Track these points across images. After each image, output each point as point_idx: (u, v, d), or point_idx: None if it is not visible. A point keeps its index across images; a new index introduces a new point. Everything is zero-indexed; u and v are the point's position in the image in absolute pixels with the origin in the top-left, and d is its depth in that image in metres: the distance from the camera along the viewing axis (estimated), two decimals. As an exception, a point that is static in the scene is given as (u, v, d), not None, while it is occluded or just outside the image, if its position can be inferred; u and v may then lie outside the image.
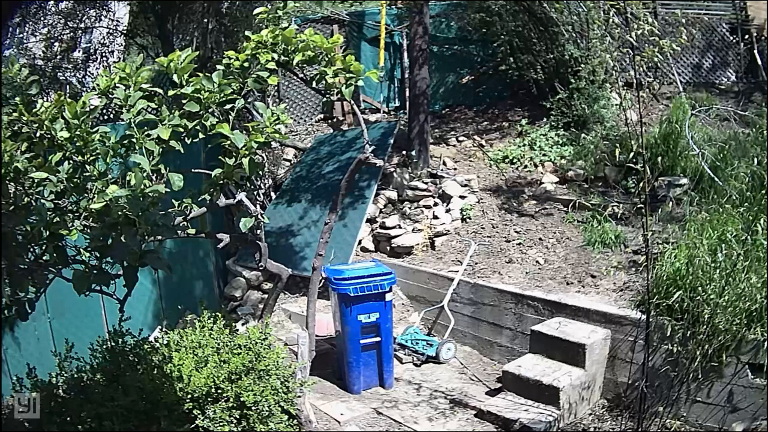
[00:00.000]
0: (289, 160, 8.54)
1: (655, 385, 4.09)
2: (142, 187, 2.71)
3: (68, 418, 3.34)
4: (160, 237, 2.99)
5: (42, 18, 8.59)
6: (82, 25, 8.82)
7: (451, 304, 5.81)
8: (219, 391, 3.54)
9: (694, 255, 4.27)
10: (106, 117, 8.17)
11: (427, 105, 7.98)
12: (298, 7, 8.70)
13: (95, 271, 2.69)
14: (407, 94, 8.95)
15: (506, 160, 7.82)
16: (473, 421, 4.45)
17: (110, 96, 3.18)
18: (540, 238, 6.21)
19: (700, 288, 4.02)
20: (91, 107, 2.94)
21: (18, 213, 2.61)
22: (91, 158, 2.85)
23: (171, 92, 3.30)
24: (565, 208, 6.58)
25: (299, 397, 4.00)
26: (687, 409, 4.05)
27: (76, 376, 3.57)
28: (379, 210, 7.26)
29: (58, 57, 8.53)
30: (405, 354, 5.63)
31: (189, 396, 3.46)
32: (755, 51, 9.37)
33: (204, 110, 3.25)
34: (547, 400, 4.30)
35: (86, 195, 2.77)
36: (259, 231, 4.31)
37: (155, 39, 9.07)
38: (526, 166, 7.63)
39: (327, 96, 4.42)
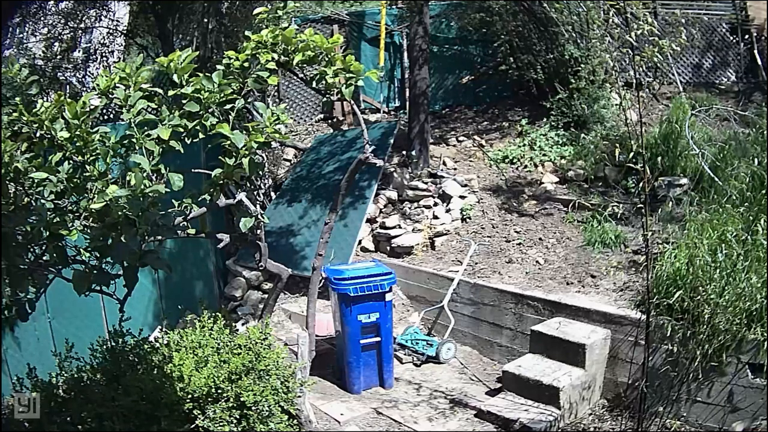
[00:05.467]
0: (289, 160, 8.54)
1: (655, 385, 4.08)
2: (142, 187, 2.71)
3: (68, 418, 3.33)
4: (160, 237, 2.98)
5: (42, 18, 8.59)
6: (82, 25, 8.81)
7: (451, 304, 5.81)
8: (219, 391, 3.53)
9: (694, 255, 4.26)
10: (106, 117, 8.17)
11: (427, 105, 7.98)
12: (298, 7, 8.69)
13: (95, 271, 2.69)
14: (407, 94, 8.96)
15: (506, 160, 7.82)
16: (473, 421, 4.45)
17: (110, 96, 3.18)
18: (540, 238, 6.21)
19: (700, 288, 4.01)
20: (91, 107, 2.94)
21: (18, 213, 2.61)
22: (91, 158, 2.85)
23: (171, 92, 3.30)
24: (565, 208, 6.58)
25: (299, 397, 4.00)
26: (687, 409, 4.05)
27: (76, 376, 3.56)
28: (379, 210, 7.26)
29: (58, 57, 8.52)
30: (405, 354, 5.63)
31: (189, 396, 3.46)
32: (755, 51, 9.37)
33: (204, 110, 3.25)
34: (547, 400, 4.30)
35: (86, 195, 2.76)
36: (259, 231, 4.30)
37: (155, 39, 9.06)
38: (526, 166, 7.63)
39: (327, 96, 4.42)
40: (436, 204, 7.22)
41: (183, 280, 6.79)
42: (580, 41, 7.95)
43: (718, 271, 4.04)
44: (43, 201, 2.70)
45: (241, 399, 3.51)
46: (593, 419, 4.43)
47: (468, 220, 6.89)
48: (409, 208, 7.23)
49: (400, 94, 9.91)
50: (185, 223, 3.37)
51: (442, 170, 7.63)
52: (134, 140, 2.96)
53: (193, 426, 3.43)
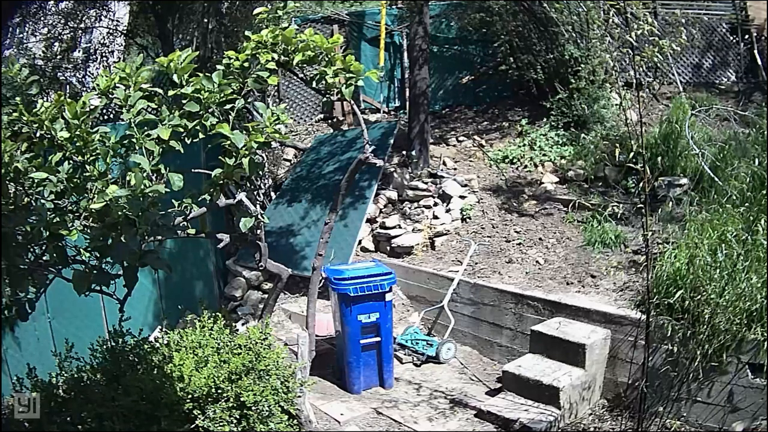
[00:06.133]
0: (289, 160, 8.55)
1: (655, 385, 4.08)
2: (142, 187, 2.71)
3: (68, 418, 3.33)
4: (160, 237, 2.98)
5: (42, 18, 8.58)
6: (82, 25, 8.81)
7: (451, 304, 5.81)
8: (219, 391, 3.53)
9: (694, 255, 4.26)
10: (106, 117, 8.17)
11: (427, 105, 7.98)
12: (298, 7, 8.68)
13: (95, 271, 2.69)
14: (407, 94, 8.95)
15: (506, 160, 7.82)
16: (473, 421, 4.45)
17: (110, 96, 3.18)
18: (540, 238, 6.21)
19: (700, 288, 4.01)
20: (91, 107, 2.94)
21: (18, 213, 2.61)
22: (91, 158, 2.85)
23: (171, 92, 3.30)
24: (565, 208, 6.58)
25: (299, 397, 4.00)
26: (687, 409, 4.05)
27: (76, 376, 3.56)
28: (379, 210, 7.26)
29: (58, 57, 8.52)
30: (405, 354, 5.63)
31: (189, 396, 3.46)
32: (755, 51, 9.37)
33: (204, 110, 3.25)
34: (547, 400, 4.30)
35: (86, 195, 2.76)
36: (259, 231, 4.30)
37: (155, 39, 9.06)
38: (526, 166, 7.63)
39: (327, 96, 4.42)
40: (436, 204, 7.22)
41: (183, 280, 6.79)
42: (580, 41, 7.95)
43: (718, 271, 4.04)
44: (43, 201, 2.70)
45: (241, 399, 3.51)
46: (593, 419, 4.43)
47: (468, 220, 6.89)
48: (409, 208, 7.23)
49: (400, 94, 9.91)
50: (185, 223, 3.37)
51: (442, 170, 7.63)
52: (134, 140, 2.96)
53: (193, 426, 3.43)
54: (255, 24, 4.35)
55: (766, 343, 3.74)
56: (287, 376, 3.86)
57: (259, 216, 3.91)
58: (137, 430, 3.29)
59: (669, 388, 4.07)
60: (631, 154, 3.57)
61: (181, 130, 3.17)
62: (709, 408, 3.96)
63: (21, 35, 8.82)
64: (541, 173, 7.43)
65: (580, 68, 7.71)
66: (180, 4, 8.37)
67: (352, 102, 4.56)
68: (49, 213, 2.67)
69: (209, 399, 3.52)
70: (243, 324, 5.98)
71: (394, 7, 10.08)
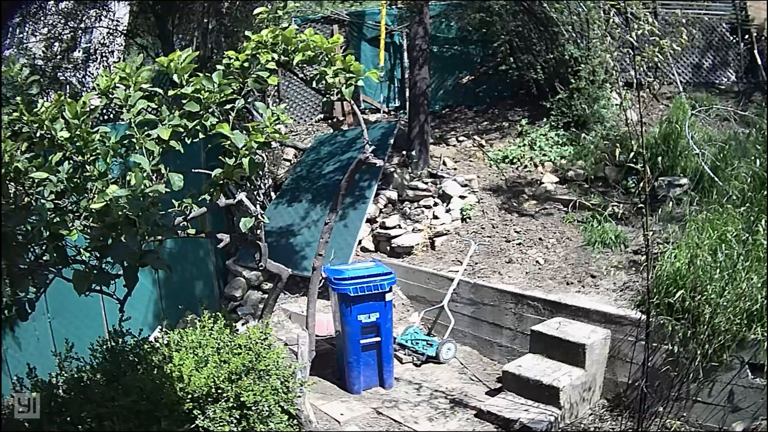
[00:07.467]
0: (289, 160, 8.54)
1: (655, 385, 4.08)
2: (142, 187, 2.71)
3: (68, 418, 3.33)
4: (160, 237, 2.98)
5: (42, 18, 8.58)
6: (82, 25, 8.81)
7: (451, 304, 5.81)
8: (219, 391, 3.53)
9: (694, 255, 4.26)
10: (106, 117, 8.17)
11: (427, 105, 7.98)
12: (298, 7, 8.67)
13: (95, 271, 2.69)
14: (407, 94, 8.96)
15: (506, 160, 7.83)
16: (473, 421, 4.45)
17: (110, 96, 3.18)
18: (540, 238, 6.21)
19: (700, 288, 4.01)
20: (91, 107, 2.95)
21: (18, 213, 2.61)
22: (91, 158, 2.85)
23: (171, 92, 3.30)
24: (565, 208, 6.58)
25: (299, 397, 4.00)
26: (687, 409, 4.05)
27: (76, 376, 3.56)
28: (379, 210, 7.26)
29: (58, 57, 8.52)
30: (405, 354, 5.63)
31: (189, 396, 3.46)
32: (755, 51, 9.37)
33: (204, 110, 3.26)
34: (548, 400, 4.30)
35: (86, 195, 2.77)
36: (259, 231, 4.30)
37: (155, 39, 9.06)
38: (526, 166, 7.63)
39: (327, 96, 4.42)
40: (436, 204, 7.22)
41: (183, 280, 6.79)
42: (580, 41, 7.95)
43: (718, 271, 4.04)
44: (43, 201, 2.70)
45: (241, 399, 3.51)
46: (593, 419, 4.43)
47: (468, 220, 6.89)
48: (409, 208, 7.23)
49: (400, 94, 9.91)
50: (185, 223, 3.37)
51: (442, 170, 7.63)
52: (134, 140, 2.97)
53: (193, 426, 3.43)
54: (255, 24, 4.36)
55: (766, 342, 3.74)
56: (287, 376, 3.86)
57: (259, 216, 3.91)
58: (137, 430, 3.29)
59: (669, 388, 4.07)
60: (631, 154, 3.57)
61: (181, 130, 3.17)
62: (709, 408, 3.96)
63: (21, 35, 8.82)
64: (541, 173, 7.43)
65: (580, 68, 7.71)
66: (180, 4, 8.37)
67: (352, 102, 4.56)
68: (49, 213, 2.67)
69: (209, 399, 3.52)
70: (243, 324, 5.98)
71: (394, 7, 10.07)
